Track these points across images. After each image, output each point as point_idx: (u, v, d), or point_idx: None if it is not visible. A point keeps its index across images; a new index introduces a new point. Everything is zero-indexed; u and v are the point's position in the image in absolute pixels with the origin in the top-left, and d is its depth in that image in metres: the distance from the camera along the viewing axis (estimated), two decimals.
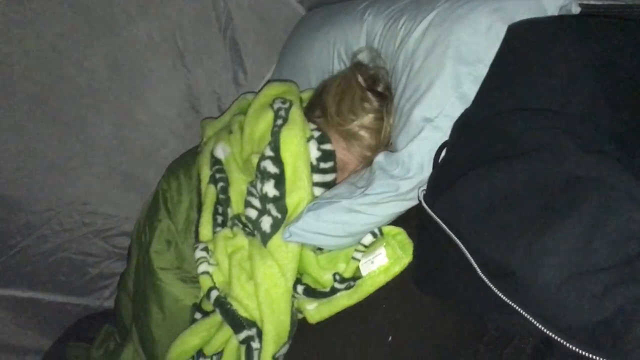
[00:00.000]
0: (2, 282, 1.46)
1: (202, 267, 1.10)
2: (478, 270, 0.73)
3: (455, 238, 0.79)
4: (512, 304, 0.68)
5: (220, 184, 1.17)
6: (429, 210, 0.86)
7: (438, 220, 0.83)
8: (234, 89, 1.54)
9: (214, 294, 1.08)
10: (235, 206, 1.15)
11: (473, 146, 0.81)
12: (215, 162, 1.20)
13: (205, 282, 1.09)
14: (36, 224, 1.45)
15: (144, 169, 1.52)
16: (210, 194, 1.17)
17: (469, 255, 0.76)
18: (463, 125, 0.89)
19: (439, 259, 0.87)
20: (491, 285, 0.70)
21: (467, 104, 0.94)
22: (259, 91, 1.26)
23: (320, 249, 1.08)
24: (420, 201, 0.90)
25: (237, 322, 1.05)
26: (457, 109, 0.95)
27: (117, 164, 1.52)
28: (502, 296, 0.70)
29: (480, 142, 0.80)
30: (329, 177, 1.11)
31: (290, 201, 1.06)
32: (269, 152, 1.09)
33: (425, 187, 0.94)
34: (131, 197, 1.52)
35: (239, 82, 1.54)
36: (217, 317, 1.09)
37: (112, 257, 1.57)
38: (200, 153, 1.26)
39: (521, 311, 0.68)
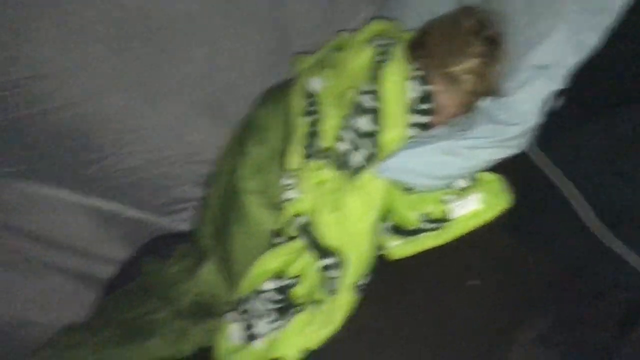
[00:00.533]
0: (89, 191, 1.53)
1: (289, 194, 1.12)
2: (591, 216, 0.71)
3: (569, 184, 0.77)
4: (627, 252, 0.67)
5: (312, 117, 1.17)
6: (537, 155, 0.84)
7: (545, 165, 0.81)
8: (327, 27, 1.52)
9: (299, 220, 1.10)
10: (325, 139, 1.15)
11: (597, 93, 0.78)
12: (309, 94, 1.20)
13: (291, 209, 1.11)
14: (125, 141, 1.50)
15: (231, 100, 1.54)
16: (300, 125, 1.18)
17: (579, 202, 0.74)
18: (584, 74, 0.86)
19: (540, 207, 0.86)
20: (606, 233, 0.69)
21: (586, 53, 0.91)
22: (359, 29, 1.25)
23: (409, 188, 1.07)
24: (527, 148, 0.88)
25: (319, 249, 1.07)
26: (574, 58, 0.92)
27: (205, 92, 1.54)
28: (614, 245, 0.68)
29: (607, 89, 0.77)
30: (425, 119, 1.10)
31: (385, 138, 1.06)
32: (367, 87, 1.08)
33: (531, 134, 0.92)
34: (216, 126, 1.54)
35: (333, 20, 1.52)
36: (299, 243, 1.11)
37: (192, 182, 1.61)
38: (293, 85, 1.26)
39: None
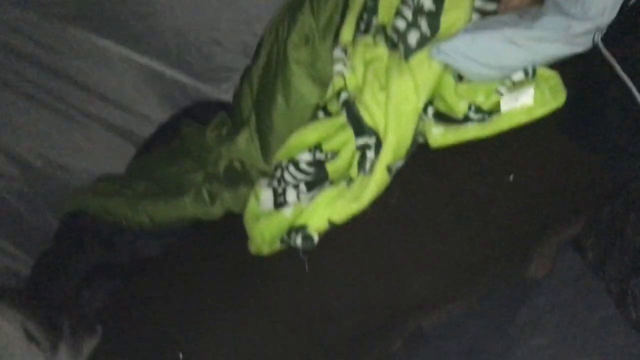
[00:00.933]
0: (137, 47, 1.54)
1: (338, 67, 1.10)
2: None
3: (632, 85, 0.73)
4: None
5: None
6: (607, 54, 0.79)
7: (616, 64, 0.77)
8: None
9: (344, 95, 1.08)
10: (382, 15, 1.11)
11: None
12: None
13: (338, 82, 1.09)
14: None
15: None
16: None
17: None
18: None
19: (603, 108, 0.82)
20: None
21: None
22: None
23: (462, 75, 1.03)
24: (596, 43, 0.83)
25: (360, 127, 1.06)
26: None
27: None
28: None
29: None
30: (490, 6, 1.04)
31: (446, 19, 1.01)
32: None
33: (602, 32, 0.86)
34: None
35: None
36: (340, 119, 1.10)
37: (239, 51, 1.59)
38: None
39: None
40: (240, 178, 1.36)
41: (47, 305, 1.34)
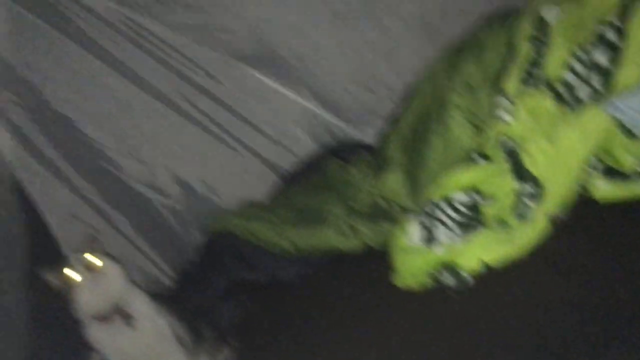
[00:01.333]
0: (295, 87, 1.66)
1: (502, 114, 1.13)
2: None
3: None
4: None
5: (539, 45, 1.16)
6: None
7: None
8: None
9: (507, 143, 1.11)
10: (549, 68, 1.14)
11: None
12: (540, 23, 1.19)
13: (502, 129, 1.13)
14: (331, 54, 1.61)
15: (447, 22, 1.56)
16: (525, 50, 1.18)
17: None
18: None
19: None
20: None
21: None
22: None
23: (634, 132, 1.04)
24: None
25: (522, 175, 1.08)
26: None
27: (422, 14, 1.57)
28: None
29: None
30: None
31: (621, 76, 1.03)
32: (614, 21, 1.05)
33: None
34: (427, 46, 1.57)
35: None
36: (500, 165, 1.13)
37: (385, 98, 1.67)
38: (523, 11, 1.25)
39: None
40: (383, 214, 1.41)
41: (190, 313, 1.43)
